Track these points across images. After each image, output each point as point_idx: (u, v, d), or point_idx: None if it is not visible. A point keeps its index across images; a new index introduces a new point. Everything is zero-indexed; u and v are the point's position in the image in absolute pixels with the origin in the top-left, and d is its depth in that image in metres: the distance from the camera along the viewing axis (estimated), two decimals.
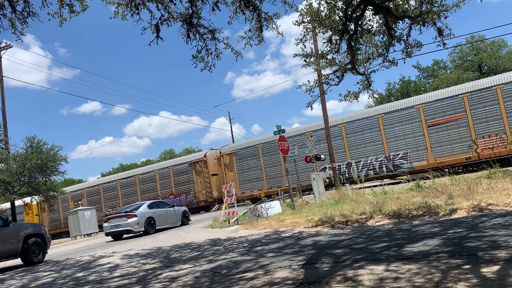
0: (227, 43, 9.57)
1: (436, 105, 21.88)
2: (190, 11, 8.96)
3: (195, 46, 9.47)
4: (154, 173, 32.54)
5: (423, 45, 10.97)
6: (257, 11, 9.06)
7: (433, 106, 21.98)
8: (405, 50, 10.97)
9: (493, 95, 20.42)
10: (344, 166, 24.47)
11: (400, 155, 22.78)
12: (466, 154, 20.89)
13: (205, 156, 30.61)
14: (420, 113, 22.32)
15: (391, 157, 23.02)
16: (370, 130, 23.78)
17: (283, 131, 17.27)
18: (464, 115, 21.11)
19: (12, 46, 27.24)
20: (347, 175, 24.10)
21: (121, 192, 34.02)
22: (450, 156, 21.35)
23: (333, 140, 24.06)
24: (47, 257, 13.78)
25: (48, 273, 9.95)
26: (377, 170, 23.55)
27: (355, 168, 24.10)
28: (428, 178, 15.15)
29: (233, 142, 51.18)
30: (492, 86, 20.53)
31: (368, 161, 23.83)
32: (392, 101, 50.47)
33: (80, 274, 8.79)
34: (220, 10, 8.98)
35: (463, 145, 21.15)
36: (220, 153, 29.46)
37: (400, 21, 10.17)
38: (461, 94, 21.32)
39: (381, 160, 23.37)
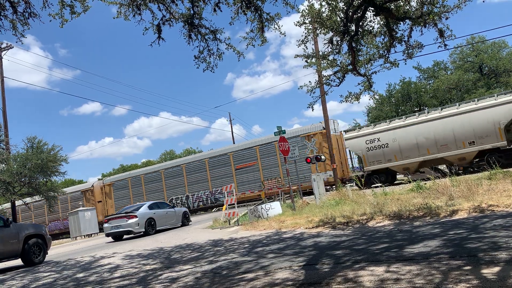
0: (229, 44, 9.58)
1: (241, 154, 29.15)
2: (192, 12, 8.97)
3: (197, 47, 9.48)
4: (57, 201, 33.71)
5: (424, 46, 10.98)
6: (259, 12, 9.06)
7: (239, 154, 29.22)
8: (406, 51, 10.97)
9: (273, 148, 27.32)
10: (184, 197, 31.23)
11: (218, 191, 29.01)
12: (258, 192, 27.52)
13: (92, 186, 36.48)
14: (231, 159, 29.52)
15: (213, 192, 29.91)
16: (201, 171, 30.91)
17: (284, 132, 17.28)
18: (256, 162, 28.37)
19: (12, 47, 27.31)
20: (186, 205, 30.33)
21: None
22: (250, 192, 28.13)
23: (175, 177, 31.89)
24: (47, 258, 13.78)
25: (49, 273, 9.95)
26: (205, 201, 30.45)
27: (191, 200, 30.94)
28: (428, 179, 15.13)
29: (234, 143, 51.19)
30: (273, 141, 26.87)
31: (199, 194, 30.63)
32: (392, 102, 50.47)
33: (81, 275, 8.79)
34: (221, 11, 8.99)
35: (255, 185, 28.19)
36: (103, 183, 35.95)
37: (401, 22, 10.18)
38: (255, 146, 28.72)
39: (207, 194, 30.25)
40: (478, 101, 21.61)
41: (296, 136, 26.41)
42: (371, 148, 23.65)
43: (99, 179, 39.84)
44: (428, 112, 23.26)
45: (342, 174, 26.39)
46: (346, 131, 25.92)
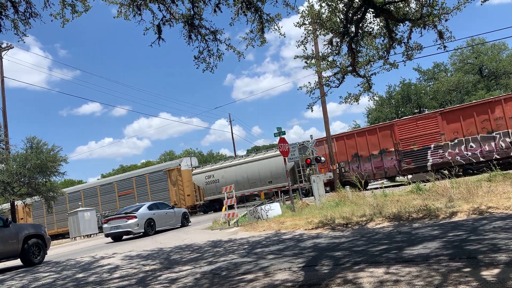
0: (229, 44, 9.59)
1: (123, 183, 35.12)
2: (192, 12, 8.97)
3: (197, 47, 9.48)
4: None
5: (424, 47, 10.99)
6: (259, 13, 9.07)
7: (122, 183, 35.26)
8: (406, 53, 10.98)
9: (144, 179, 33.90)
10: (100, 215, 34.11)
11: (109, 213, 32.45)
12: None
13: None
14: (115, 187, 35.54)
15: (105, 214, 33.00)
16: (106, 194, 36.35)
17: (284, 133, 17.28)
18: (132, 191, 34.17)
19: (13, 47, 27.29)
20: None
21: None
22: None
23: (102, 195, 36.52)
24: (47, 258, 13.77)
25: (48, 274, 9.94)
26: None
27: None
28: (428, 180, 15.14)
29: (233, 144, 51.26)
30: (144, 174, 34.45)
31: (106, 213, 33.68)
32: (392, 104, 50.47)
33: (80, 275, 8.79)
34: (221, 12, 9.00)
35: None
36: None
37: (401, 24, 10.19)
38: (132, 177, 35.15)
39: (108, 213, 32.39)
40: (275, 150, 27.25)
41: (159, 171, 33.64)
42: (209, 182, 31.16)
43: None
44: (246, 156, 31.69)
45: (192, 202, 32.84)
46: (194, 167, 33.47)
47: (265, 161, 28.22)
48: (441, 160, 22.94)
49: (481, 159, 21.84)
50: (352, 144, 26.12)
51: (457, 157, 22.57)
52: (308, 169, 26.64)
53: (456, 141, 22.75)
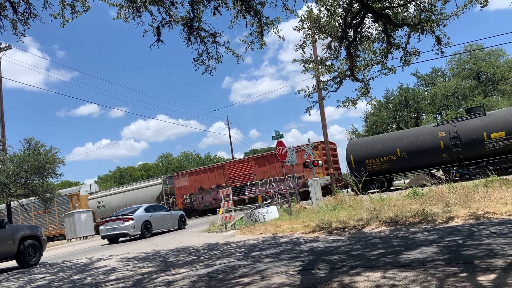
0: (228, 47, 9.60)
1: (38, 203, 32.90)
2: (191, 15, 8.99)
3: (196, 50, 9.48)
4: None
5: (422, 53, 11.02)
6: (258, 16, 9.09)
7: (37, 204, 32.98)
8: (404, 58, 11.00)
9: (53, 202, 31.43)
10: None
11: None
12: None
13: None
14: (31, 207, 34.77)
15: None
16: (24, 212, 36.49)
17: (281, 136, 17.29)
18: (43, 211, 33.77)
19: (11, 48, 27.26)
20: None
21: None
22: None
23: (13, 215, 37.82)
24: (44, 259, 13.72)
25: (44, 275, 9.90)
26: None
27: None
28: (425, 185, 15.16)
29: (231, 147, 51.33)
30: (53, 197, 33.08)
31: None
32: (390, 108, 50.56)
33: (76, 277, 8.75)
34: (221, 14, 9.01)
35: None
36: None
37: (399, 29, 10.22)
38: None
39: None
40: (148, 181, 38.59)
41: (64, 195, 36.09)
42: (99, 207, 37.60)
43: None
44: (128, 185, 40.18)
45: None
46: (90, 193, 39.34)
47: (140, 190, 36.46)
48: (253, 194, 29.68)
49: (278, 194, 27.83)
50: (198, 179, 33.16)
51: (263, 193, 28.94)
52: (172, 198, 34.77)
53: (263, 180, 29.42)
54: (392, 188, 25.64)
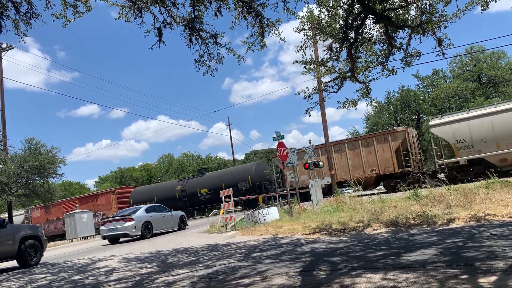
0: (230, 48, 9.60)
1: None
2: (193, 16, 9.00)
3: (197, 51, 9.50)
4: None
5: (423, 54, 11.02)
6: (259, 17, 9.11)
7: None
8: (405, 59, 11.01)
9: None
10: None
11: None
12: None
13: None
14: None
15: None
16: None
17: (282, 137, 17.29)
18: None
19: (13, 48, 27.32)
20: None
21: None
22: None
23: None
24: (44, 260, 13.72)
25: (45, 275, 9.90)
26: None
27: None
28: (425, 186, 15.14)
29: (232, 148, 51.36)
30: None
31: None
32: (391, 110, 50.50)
33: (77, 277, 8.76)
34: (222, 15, 9.02)
35: None
36: None
37: (400, 30, 10.23)
38: None
39: None
40: None
41: None
42: None
43: None
44: None
45: None
46: None
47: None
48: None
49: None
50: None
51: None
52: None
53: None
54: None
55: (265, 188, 29.56)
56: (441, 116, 25.32)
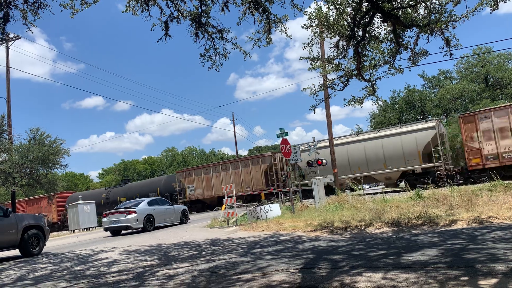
0: (235, 43, 9.59)
1: None
2: (200, 10, 8.98)
3: (203, 45, 9.49)
4: None
5: (430, 54, 10.97)
6: (266, 13, 9.08)
7: None
8: (412, 58, 10.96)
9: None
10: None
11: None
12: None
13: None
14: None
15: None
16: None
17: (286, 134, 17.28)
18: None
19: (20, 38, 27.42)
20: None
21: None
22: None
23: None
24: (46, 250, 13.81)
25: (46, 265, 9.97)
26: None
27: None
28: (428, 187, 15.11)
29: (236, 143, 51.44)
30: None
31: None
32: (396, 109, 50.30)
33: (78, 268, 8.81)
34: (229, 10, 9.01)
35: None
36: None
37: (408, 29, 10.17)
38: None
39: None
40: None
41: None
42: None
43: None
44: None
45: None
46: None
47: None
48: None
49: None
50: None
51: None
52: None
53: None
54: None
55: (171, 199, 32.69)
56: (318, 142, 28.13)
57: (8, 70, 27.25)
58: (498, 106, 25.56)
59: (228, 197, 17.03)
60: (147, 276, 6.89)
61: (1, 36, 8.03)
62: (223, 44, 9.58)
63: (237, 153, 53.61)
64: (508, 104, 25.36)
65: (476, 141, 23.01)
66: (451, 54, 10.23)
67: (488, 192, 13.43)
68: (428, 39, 10.09)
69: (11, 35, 26.36)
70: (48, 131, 42.28)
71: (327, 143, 26.00)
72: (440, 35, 9.91)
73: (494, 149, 22.61)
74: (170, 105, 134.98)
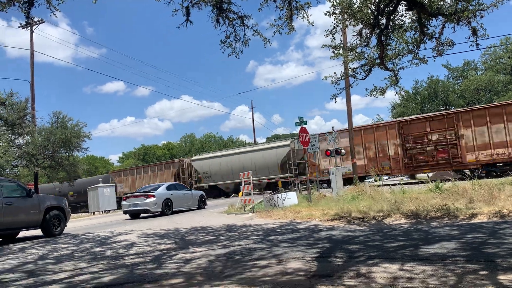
0: (256, 30, 9.53)
1: None
2: None
3: (224, 31, 9.46)
4: None
5: (455, 44, 10.71)
6: (288, 0, 8.98)
7: None
8: (436, 48, 10.71)
9: None
10: None
11: None
12: None
13: None
14: None
15: None
16: None
17: (305, 122, 17.18)
18: None
19: (43, 22, 27.79)
20: None
21: None
22: None
23: None
24: (67, 230, 14.16)
25: (67, 245, 10.23)
26: None
27: None
28: (449, 179, 14.86)
29: (254, 131, 51.45)
30: None
31: None
32: (418, 100, 49.41)
33: (98, 249, 9.01)
34: None
35: None
36: None
37: (434, 18, 9.93)
38: None
39: None
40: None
41: None
42: None
43: None
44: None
45: None
46: None
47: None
48: None
49: None
50: None
51: None
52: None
53: None
54: None
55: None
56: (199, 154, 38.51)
57: (32, 54, 27.71)
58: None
59: (245, 184, 17.10)
60: (164, 259, 7.00)
61: (26, 20, 8.17)
62: (244, 31, 9.53)
63: (254, 140, 53.68)
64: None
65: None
66: (477, 44, 9.96)
67: (511, 186, 13.14)
68: (454, 29, 9.85)
69: (35, 19, 26.72)
70: (70, 115, 43.00)
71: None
72: (466, 24, 9.66)
73: None
74: (190, 92, 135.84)
